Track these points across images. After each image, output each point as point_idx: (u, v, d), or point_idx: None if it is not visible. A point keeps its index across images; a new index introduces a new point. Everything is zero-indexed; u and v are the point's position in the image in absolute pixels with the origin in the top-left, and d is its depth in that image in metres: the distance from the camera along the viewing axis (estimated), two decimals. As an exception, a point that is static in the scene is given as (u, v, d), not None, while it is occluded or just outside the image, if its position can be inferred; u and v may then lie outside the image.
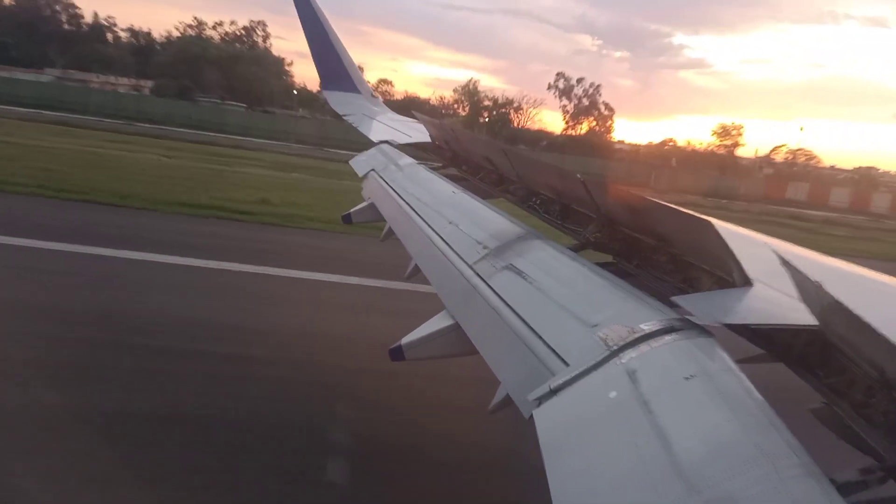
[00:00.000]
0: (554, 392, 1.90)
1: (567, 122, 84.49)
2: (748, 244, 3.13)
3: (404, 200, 4.94)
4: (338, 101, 10.18)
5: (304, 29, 10.43)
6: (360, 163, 6.93)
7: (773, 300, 2.11)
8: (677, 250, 2.65)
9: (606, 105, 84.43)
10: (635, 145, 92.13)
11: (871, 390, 1.66)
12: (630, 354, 1.89)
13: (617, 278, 2.54)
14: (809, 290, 1.76)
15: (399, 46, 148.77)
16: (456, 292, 3.09)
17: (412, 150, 7.00)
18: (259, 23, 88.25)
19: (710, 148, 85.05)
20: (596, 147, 71.84)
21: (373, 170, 6.37)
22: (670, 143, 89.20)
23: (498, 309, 2.62)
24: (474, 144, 5.70)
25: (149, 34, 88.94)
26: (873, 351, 1.53)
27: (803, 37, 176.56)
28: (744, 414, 1.48)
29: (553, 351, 2.13)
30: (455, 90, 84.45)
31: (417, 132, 7.83)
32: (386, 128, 8.48)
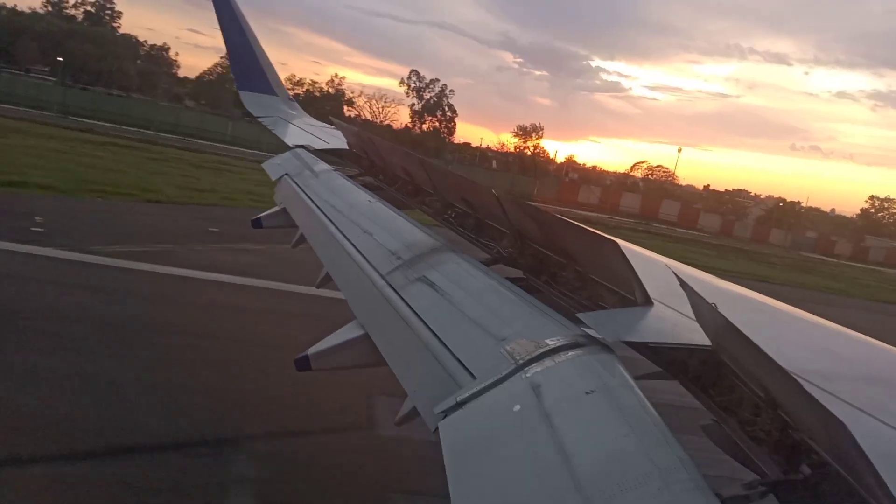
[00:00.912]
0: (460, 405, 1.90)
1: (413, 121, 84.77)
2: (649, 265, 3.26)
3: (318, 207, 4.86)
4: (253, 102, 9.93)
5: (220, 26, 10.13)
6: (274, 166, 6.79)
7: (670, 320, 2.20)
8: (583, 268, 2.73)
9: (451, 107, 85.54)
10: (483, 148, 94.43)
11: (756, 409, 1.75)
12: (535, 369, 1.92)
13: (526, 293, 2.58)
14: (704, 311, 1.84)
15: (322, 50, 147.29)
16: (367, 302, 3.06)
17: (328, 156, 6.91)
18: (107, 2, 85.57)
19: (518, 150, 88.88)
20: (433, 147, 72.98)
21: (287, 174, 6.25)
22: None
23: (408, 320, 2.61)
24: (391, 154, 5.69)
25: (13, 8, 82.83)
26: (760, 372, 1.61)
27: (711, 68, 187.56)
28: (639, 429, 1.53)
29: (461, 364, 2.14)
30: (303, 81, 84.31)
31: (334, 138, 7.75)
32: (302, 132, 8.34)
